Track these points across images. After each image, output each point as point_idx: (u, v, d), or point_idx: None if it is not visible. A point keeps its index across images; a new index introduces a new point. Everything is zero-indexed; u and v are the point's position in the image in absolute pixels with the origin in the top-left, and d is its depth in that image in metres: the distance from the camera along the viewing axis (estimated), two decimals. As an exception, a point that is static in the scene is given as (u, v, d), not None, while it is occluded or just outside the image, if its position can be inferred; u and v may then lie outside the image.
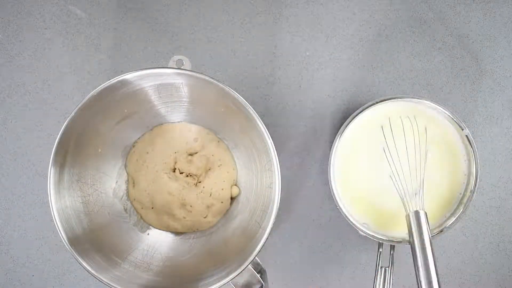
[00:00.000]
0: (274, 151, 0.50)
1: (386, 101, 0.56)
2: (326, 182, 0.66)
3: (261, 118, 0.50)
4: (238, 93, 0.50)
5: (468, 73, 0.67)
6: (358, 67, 0.67)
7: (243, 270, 0.49)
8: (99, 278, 0.50)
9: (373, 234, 0.57)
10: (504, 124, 0.67)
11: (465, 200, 0.57)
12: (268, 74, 0.67)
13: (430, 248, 0.50)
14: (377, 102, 0.56)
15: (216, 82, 0.49)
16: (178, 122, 0.61)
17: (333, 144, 0.57)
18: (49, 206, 0.50)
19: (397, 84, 0.67)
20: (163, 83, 0.53)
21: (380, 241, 0.57)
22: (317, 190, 0.67)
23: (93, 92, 0.49)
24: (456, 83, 0.67)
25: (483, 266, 0.67)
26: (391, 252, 0.57)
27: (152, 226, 0.61)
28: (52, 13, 0.67)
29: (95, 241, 0.54)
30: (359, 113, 0.57)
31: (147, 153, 0.61)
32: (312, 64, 0.67)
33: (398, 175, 0.56)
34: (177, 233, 0.62)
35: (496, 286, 0.67)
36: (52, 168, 0.49)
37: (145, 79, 0.51)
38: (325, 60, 0.67)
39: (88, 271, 0.50)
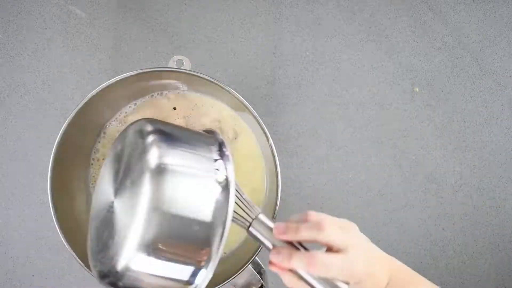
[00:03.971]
0: (274, 151, 0.50)
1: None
2: (326, 182, 0.66)
3: (261, 118, 0.50)
4: (238, 93, 0.50)
5: (468, 73, 0.67)
6: (358, 67, 0.67)
7: (243, 270, 0.49)
8: (99, 278, 0.49)
9: None
10: (504, 124, 0.67)
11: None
12: (268, 74, 0.67)
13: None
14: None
15: (216, 82, 0.49)
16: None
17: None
18: (49, 206, 0.50)
19: (397, 84, 0.67)
20: (163, 83, 0.53)
21: None
22: (317, 190, 0.67)
23: (93, 92, 0.49)
24: (456, 83, 0.67)
25: (483, 266, 0.67)
26: None
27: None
28: (52, 13, 0.67)
29: (95, 241, 0.54)
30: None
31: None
32: (312, 64, 0.67)
33: None
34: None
35: (496, 286, 0.67)
36: (52, 168, 0.49)
37: (146, 78, 0.51)
38: (325, 60, 0.67)
39: (88, 271, 0.50)
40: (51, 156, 0.49)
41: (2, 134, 0.66)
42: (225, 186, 0.36)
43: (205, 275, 0.36)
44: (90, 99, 0.49)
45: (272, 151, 0.50)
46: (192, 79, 0.51)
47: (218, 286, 0.49)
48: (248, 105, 0.50)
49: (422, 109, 0.67)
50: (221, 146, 0.39)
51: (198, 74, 0.49)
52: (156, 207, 0.33)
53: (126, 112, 0.57)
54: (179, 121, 0.61)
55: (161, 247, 0.34)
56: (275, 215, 0.50)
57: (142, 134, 0.37)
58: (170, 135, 0.38)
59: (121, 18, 0.67)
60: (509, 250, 0.67)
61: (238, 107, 0.54)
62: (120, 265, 0.34)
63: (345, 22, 0.67)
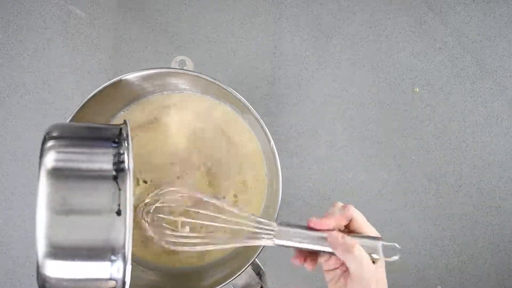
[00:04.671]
0: (275, 152, 0.50)
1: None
2: (326, 182, 0.66)
3: (261, 118, 0.50)
4: (238, 93, 0.50)
5: (468, 73, 0.67)
6: (358, 67, 0.67)
7: (242, 271, 0.49)
8: (99, 278, 0.49)
9: None
10: (504, 124, 0.67)
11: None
12: (268, 74, 0.67)
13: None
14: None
15: (218, 83, 0.49)
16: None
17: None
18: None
19: (397, 84, 0.67)
20: (165, 83, 0.53)
21: None
22: (318, 190, 0.67)
23: (93, 92, 0.49)
24: (456, 83, 0.67)
25: (483, 266, 0.67)
26: None
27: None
28: (52, 13, 0.67)
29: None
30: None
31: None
32: (312, 64, 0.67)
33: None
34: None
35: (496, 286, 0.67)
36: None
37: (148, 79, 0.51)
38: (325, 60, 0.67)
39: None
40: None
41: (2, 134, 0.66)
42: (122, 178, 0.36)
43: (123, 268, 0.36)
44: (90, 99, 0.49)
45: (273, 152, 0.50)
46: (193, 80, 0.51)
47: (218, 287, 0.49)
48: (250, 107, 0.50)
49: (422, 109, 0.67)
50: (121, 140, 0.40)
51: (198, 75, 0.49)
52: (52, 212, 0.34)
53: (126, 112, 0.57)
54: (176, 121, 0.61)
55: (66, 250, 0.35)
56: (275, 215, 0.50)
57: (43, 140, 0.39)
58: (66, 138, 0.40)
59: (121, 18, 0.67)
60: (509, 250, 0.67)
61: (240, 108, 0.54)
62: (39, 275, 0.35)
63: (345, 22, 0.67)
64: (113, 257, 0.35)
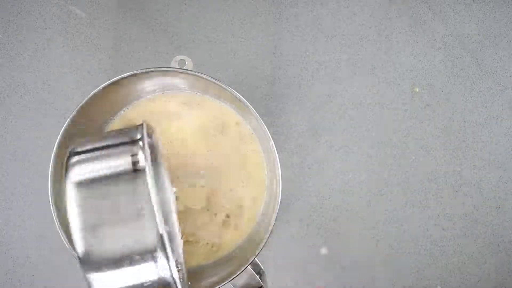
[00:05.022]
0: (275, 152, 0.50)
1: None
2: (326, 182, 0.66)
3: (261, 118, 0.50)
4: (238, 93, 0.50)
5: (468, 73, 0.67)
6: (358, 67, 0.67)
7: (242, 271, 0.49)
8: (99, 278, 0.49)
9: None
10: (504, 124, 0.67)
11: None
12: (268, 74, 0.67)
13: None
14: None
15: (217, 82, 0.49)
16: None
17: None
18: (49, 206, 0.50)
19: (397, 84, 0.67)
20: (165, 82, 0.53)
21: None
22: (318, 190, 0.67)
23: (93, 92, 0.49)
24: (456, 83, 0.67)
25: (483, 266, 0.67)
26: None
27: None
28: (52, 13, 0.67)
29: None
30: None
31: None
32: (312, 64, 0.67)
33: None
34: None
35: (496, 286, 0.67)
36: (52, 168, 0.49)
37: (148, 78, 0.51)
38: (325, 60, 0.67)
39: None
40: (51, 156, 0.49)
41: (2, 134, 0.66)
42: (140, 177, 0.35)
43: (167, 265, 0.35)
44: (90, 99, 0.49)
45: (273, 152, 0.50)
46: (193, 79, 0.51)
47: (218, 287, 0.49)
48: (250, 107, 0.50)
49: (422, 109, 0.67)
50: (137, 140, 0.39)
51: (199, 75, 0.49)
52: (84, 228, 0.34)
53: (126, 112, 0.57)
54: (175, 121, 0.61)
55: (106, 260, 0.34)
56: (275, 215, 0.50)
57: (67, 157, 0.38)
58: (87, 152, 0.39)
59: (121, 18, 0.67)
60: (509, 250, 0.67)
61: (240, 108, 0.54)
62: None
63: (345, 22, 0.67)
64: (154, 257, 0.34)
